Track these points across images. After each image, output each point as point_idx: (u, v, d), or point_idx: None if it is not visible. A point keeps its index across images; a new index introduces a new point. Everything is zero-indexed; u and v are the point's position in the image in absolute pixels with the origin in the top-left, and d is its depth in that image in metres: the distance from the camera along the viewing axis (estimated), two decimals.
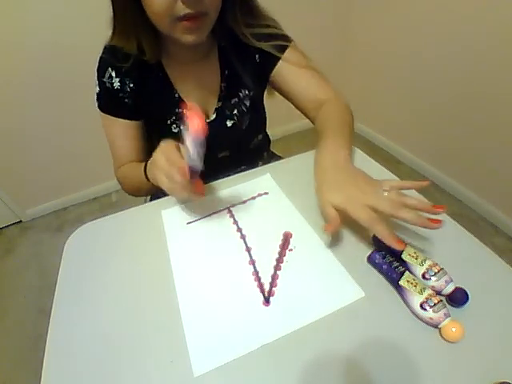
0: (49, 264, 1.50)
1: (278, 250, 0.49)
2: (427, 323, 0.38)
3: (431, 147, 1.68)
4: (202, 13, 0.48)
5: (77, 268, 0.51)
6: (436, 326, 0.37)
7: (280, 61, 0.64)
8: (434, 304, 0.37)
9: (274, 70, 0.65)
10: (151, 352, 0.39)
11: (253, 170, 0.65)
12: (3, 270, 1.54)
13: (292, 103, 0.70)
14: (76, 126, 1.58)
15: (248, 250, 0.50)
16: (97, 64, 0.61)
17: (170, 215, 0.57)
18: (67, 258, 0.53)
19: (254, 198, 0.59)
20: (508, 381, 0.32)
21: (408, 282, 0.40)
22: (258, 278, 0.45)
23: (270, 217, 0.55)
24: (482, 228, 1.46)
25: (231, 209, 0.57)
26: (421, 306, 0.38)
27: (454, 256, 0.44)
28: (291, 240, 0.50)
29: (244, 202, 0.58)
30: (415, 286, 0.39)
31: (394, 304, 0.41)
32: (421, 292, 0.38)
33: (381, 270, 0.43)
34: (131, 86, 0.61)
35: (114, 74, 0.60)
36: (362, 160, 0.67)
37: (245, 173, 0.65)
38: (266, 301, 0.42)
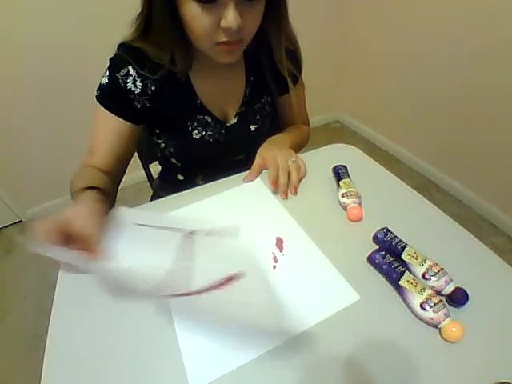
0: (49, 264, 1.49)
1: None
2: (427, 323, 0.38)
3: (431, 147, 1.68)
4: (240, 39, 0.52)
5: None
6: (436, 326, 0.37)
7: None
8: (434, 304, 0.37)
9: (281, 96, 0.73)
10: (151, 351, 0.39)
11: (244, 172, 0.64)
12: (3, 269, 1.54)
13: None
14: (76, 126, 1.58)
15: None
16: (113, 56, 0.58)
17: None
18: None
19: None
20: (508, 381, 0.32)
21: (408, 281, 0.40)
22: None
23: (262, 222, 0.54)
24: (482, 228, 1.46)
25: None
26: (421, 306, 0.38)
27: (454, 256, 0.45)
28: (283, 245, 0.50)
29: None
30: (415, 286, 0.39)
31: (394, 304, 0.41)
32: (421, 292, 0.38)
33: (381, 270, 0.43)
34: (153, 88, 0.59)
35: (134, 73, 0.57)
36: (362, 160, 0.67)
37: (236, 175, 0.64)
38: None
